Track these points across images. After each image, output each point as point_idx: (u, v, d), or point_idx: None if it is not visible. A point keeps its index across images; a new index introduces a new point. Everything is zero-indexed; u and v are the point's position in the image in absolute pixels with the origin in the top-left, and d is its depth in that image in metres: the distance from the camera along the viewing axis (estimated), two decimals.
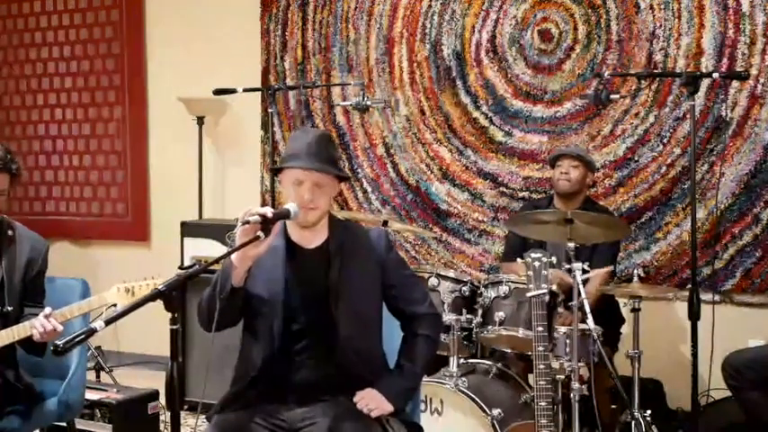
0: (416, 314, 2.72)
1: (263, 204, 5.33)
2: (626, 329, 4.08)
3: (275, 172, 2.73)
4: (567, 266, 3.37)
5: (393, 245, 2.77)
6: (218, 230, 4.60)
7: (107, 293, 3.00)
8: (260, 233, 2.42)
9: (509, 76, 4.77)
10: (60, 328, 2.89)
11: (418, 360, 2.69)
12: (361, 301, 2.63)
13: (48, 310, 2.91)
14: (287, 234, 2.66)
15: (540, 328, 3.05)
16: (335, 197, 5.13)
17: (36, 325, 2.87)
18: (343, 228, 2.72)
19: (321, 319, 2.59)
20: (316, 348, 2.60)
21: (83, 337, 2.10)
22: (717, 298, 4.30)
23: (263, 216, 2.41)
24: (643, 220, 4.51)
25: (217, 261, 2.43)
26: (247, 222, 2.43)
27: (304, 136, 2.66)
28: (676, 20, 4.39)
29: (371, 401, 2.57)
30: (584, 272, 3.33)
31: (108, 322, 2.12)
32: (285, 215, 2.51)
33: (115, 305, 2.96)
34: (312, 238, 2.66)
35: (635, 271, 3.71)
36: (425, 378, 3.42)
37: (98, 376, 4.76)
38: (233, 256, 2.48)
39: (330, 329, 2.58)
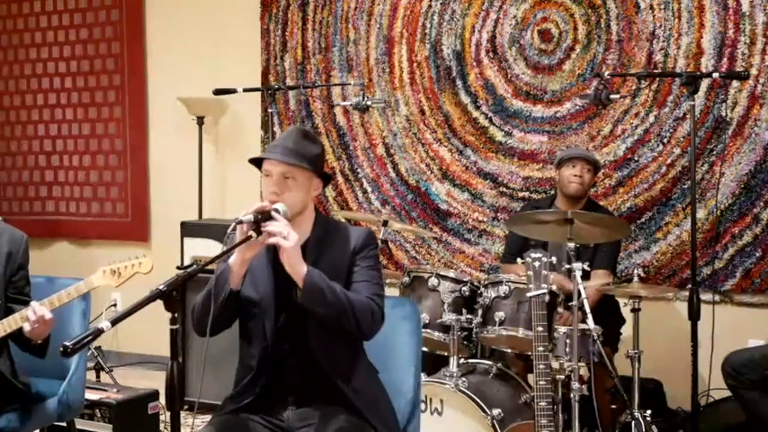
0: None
1: None
2: (626, 329, 4.08)
3: (256, 166, 2.60)
4: (567, 266, 3.37)
5: (371, 245, 2.62)
6: (218, 230, 4.59)
7: (94, 277, 2.98)
8: (252, 233, 2.42)
9: (509, 76, 4.77)
10: (49, 315, 2.85)
11: (341, 291, 2.48)
12: None
13: (35, 303, 2.88)
14: None
15: (540, 328, 3.05)
16: (336, 198, 5.17)
17: (28, 314, 2.84)
18: (326, 225, 2.64)
19: (297, 317, 2.54)
20: (297, 347, 2.55)
21: (90, 337, 2.09)
22: (717, 298, 4.30)
23: (260, 212, 2.42)
24: (643, 220, 4.51)
25: (212, 261, 2.42)
26: (240, 222, 2.42)
27: (285, 133, 2.63)
28: (676, 20, 4.39)
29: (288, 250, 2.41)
30: (585, 272, 3.33)
31: (114, 322, 2.12)
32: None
33: (115, 304, 2.95)
34: None
35: (635, 271, 3.69)
36: (425, 378, 3.43)
37: (98, 376, 4.76)
38: (231, 260, 2.47)
39: (303, 328, 2.53)
